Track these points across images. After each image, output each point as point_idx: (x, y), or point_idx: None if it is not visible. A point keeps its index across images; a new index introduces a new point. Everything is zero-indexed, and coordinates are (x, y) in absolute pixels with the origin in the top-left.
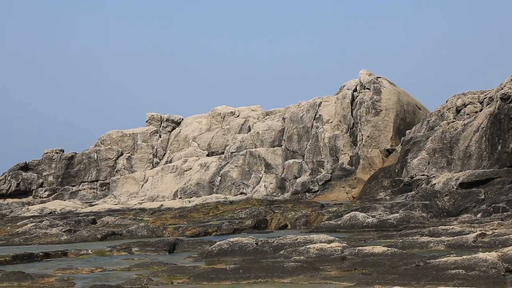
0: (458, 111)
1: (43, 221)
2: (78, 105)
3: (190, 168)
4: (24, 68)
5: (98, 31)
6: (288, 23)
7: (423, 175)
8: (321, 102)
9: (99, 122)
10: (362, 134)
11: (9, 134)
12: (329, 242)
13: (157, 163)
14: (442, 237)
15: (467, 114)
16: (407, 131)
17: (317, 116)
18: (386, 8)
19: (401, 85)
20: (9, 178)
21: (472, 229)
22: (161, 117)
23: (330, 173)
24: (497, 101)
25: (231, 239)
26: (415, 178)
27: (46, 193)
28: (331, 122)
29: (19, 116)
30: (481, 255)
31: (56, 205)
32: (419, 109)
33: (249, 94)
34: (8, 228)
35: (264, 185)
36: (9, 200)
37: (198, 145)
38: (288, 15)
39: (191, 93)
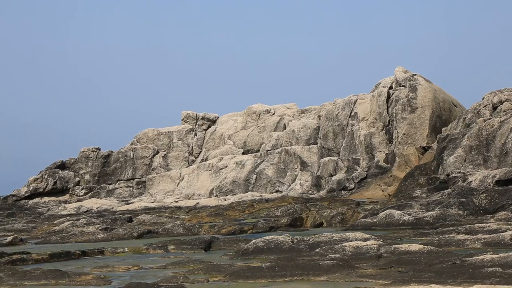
0: (494, 108)
1: (80, 219)
2: (114, 104)
3: (226, 166)
4: (59, 68)
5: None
6: (323, 20)
7: (459, 172)
8: (356, 100)
9: (135, 121)
10: (397, 132)
11: (46, 133)
12: (365, 240)
13: (193, 161)
14: (479, 235)
15: (504, 111)
16: (443, 129)
17: (353, 113)
18: (423, 4)
19: (436, 82)
20: (46, 176)
21: (509, 226)
22: (196, 115)
23: (366, 171)
24: None
25: (267, 237)
26: (451, 176)
27: (83, 191)
28: (367, 119)
29: (55, 115)
30: None
31: (92, 203)
32: (455, 106)
33: (285, 92)
34: (45, 226)
35: (300, 183)
36: (46, 199)
37: (234, 143)
38: (323, 13)
39: (227, 91)
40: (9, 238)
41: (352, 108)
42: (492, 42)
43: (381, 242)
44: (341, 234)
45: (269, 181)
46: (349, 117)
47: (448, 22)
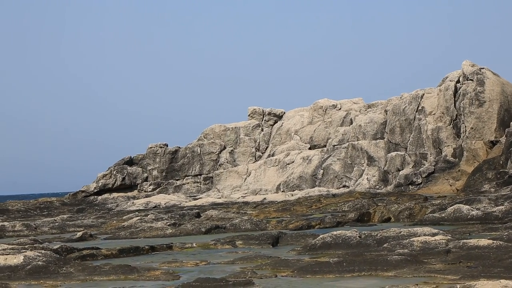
0: None
1: (148, 215)
2: (182, 99)
3: (293, 162)
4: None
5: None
6: (386, 16)
7: None
8: (423, 94)
9: (202, 116)
10: (465, 126)
11: (114, 129)
12: (433, 235)
13: (260, 157)
14: None
15: None
16: None
17: (420, 108)
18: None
19: (504, 75)
20: (114, 172)
21: None
22: (263, 110)
23: (434, 166)
24: None
25: (334, 232)
26: None
27: (151, 187)
28: (434, 114)
29: (123, 111)
30: None
31: (160, 199)
32: None
33: (351, 86)
34: (115, 222)
35: (367, 178)
36: (115, 194)
37: (300, 138)
38: (394, 6)
39: (293, 86)
40: (79, 234)
41: (419, 103)
42: None
43: (449, 237)
44: (409, 229)
45: (336, 176)
46: (416, 112)
47: None
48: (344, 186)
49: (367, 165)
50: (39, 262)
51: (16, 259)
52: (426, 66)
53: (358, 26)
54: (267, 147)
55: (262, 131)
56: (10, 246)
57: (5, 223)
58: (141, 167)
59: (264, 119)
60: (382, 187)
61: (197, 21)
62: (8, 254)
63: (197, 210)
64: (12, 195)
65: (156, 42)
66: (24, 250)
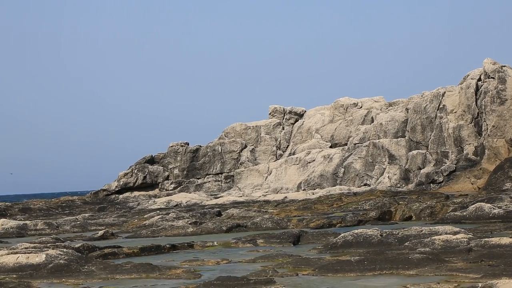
0: None
1: (170, 213)
2: (202, 97)
3: (313, 160)
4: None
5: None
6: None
7: None
8: (444, 92)
9: (223, 115)
10: (487, 124)
11: (136, 128)
12: (455, 233)
13: (281, 155)
14: None
15: None
16: None
17: (441, 106)
18: None
19: None
20: (136, 171)
21: None
22: (284, 109)
23: (455, 164)
24: None
25: (356, 231)
26: None
27: (172, 185)
28: (455, 112)
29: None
30: None
31: (182, 197)
32: None
33: (372, 85)
34: (136, 220)
35: (388, 176)
36: (136, 193)
37: (321, 136)
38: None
39: (314, 84)
40: (100, 232)
41: (440, 101)
42: None
43: (471, 236)
44: (431, 227)
45: (357, 175)
46: (437, 110)
47: None
48: (365, 185)
49: (388, 163)
50: (61, 261)
51: (38, 258)
52: (447, 64)
53: (379, 24)
54: (288, 145)
55: (283, 129)
56: (32, 245)
57: (27, 222)
58: (162, 166)
59: (285, 117)
60: (403, 185)
61: (217, 22)
62: (30, 253)
63: (218, 209)
64: (35, 194)
65: (175, 43)
66: (46, 249)
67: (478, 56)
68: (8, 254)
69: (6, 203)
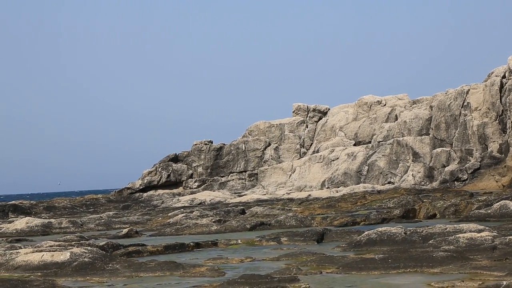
0: None
1: (194, 211)
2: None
3: (337, 158)
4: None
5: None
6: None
7: None
8: (469, 90)
9: (247, 113)
10: (511, 121)
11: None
12: (479, 231)
13: (304, 153)
14: None
15: None
16: None
17: (465, 103)
18: None
19: None
20: (160, 169)
21: None
22: (307, 107)
23: (479, 162)
24: None
25: (380, 229)
26: None
27: (196, 184)
28: (480, 109)
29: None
30: None
31: (205, 195)
32: None
33: (396, 82)
34: (160, 218)
35: (412, 174)
36: (160, 191)
37: (345, 134)
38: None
39: (338, 82)
40: (124, 230)
41: (465, 98)
42: None
43: (495, 234)
44: (455, 225)
45: (381, 173)
46: (462, 107)
47: None
48: (389, 183)
49: (412, 161)
50: (85, 259)
51: (62, 256)
52: (471, 61)
53: (404, 21)
54: (311, 143)
55: (307, 127)
56: (57, 243)
57: (52, 220)
58: (186, 164)
59: (308, 115)
60: (427, 183)
61: (242, 21)
62: (55, 251)
63: (242, 207)
64: (58, 193)
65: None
66: (70, 247)
67: (502, 53)
68: (33, 252)
69: (31, 202)
